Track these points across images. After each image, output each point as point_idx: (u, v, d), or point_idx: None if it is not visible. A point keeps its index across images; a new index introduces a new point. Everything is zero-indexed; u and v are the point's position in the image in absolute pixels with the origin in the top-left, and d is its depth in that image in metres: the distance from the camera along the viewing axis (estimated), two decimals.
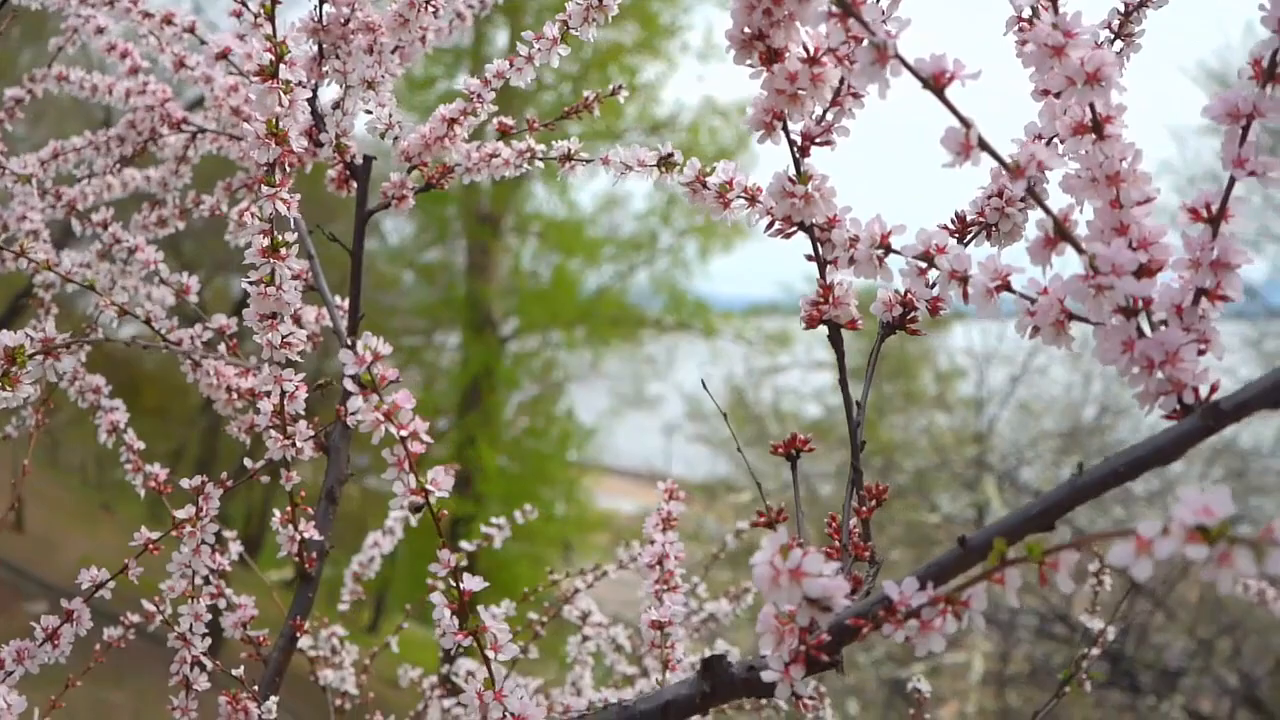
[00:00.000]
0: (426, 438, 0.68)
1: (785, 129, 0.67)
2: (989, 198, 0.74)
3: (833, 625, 0.59)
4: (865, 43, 0.56)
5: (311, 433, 0.98)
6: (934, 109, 0.57)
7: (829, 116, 0.68)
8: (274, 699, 0.99)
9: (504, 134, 1.05)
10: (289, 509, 1.02)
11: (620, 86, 1.07)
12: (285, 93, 0.77)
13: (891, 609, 0.57)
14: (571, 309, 11.16)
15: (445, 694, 1.36)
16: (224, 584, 1.07)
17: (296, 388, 0.93)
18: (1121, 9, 0.76)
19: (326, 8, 1.00)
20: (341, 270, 1.14)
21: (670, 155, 0.87)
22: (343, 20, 1.01)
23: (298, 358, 0.91)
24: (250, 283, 0.85)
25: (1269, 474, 7.58)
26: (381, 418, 0.66)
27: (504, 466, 10.52)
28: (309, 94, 1.03)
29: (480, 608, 0.71)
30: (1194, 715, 6.02)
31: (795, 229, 0.69)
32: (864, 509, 0.68)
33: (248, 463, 0.99)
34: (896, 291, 0.73)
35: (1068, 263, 0.61)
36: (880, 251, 0.67)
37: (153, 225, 1.30)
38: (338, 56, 1.00)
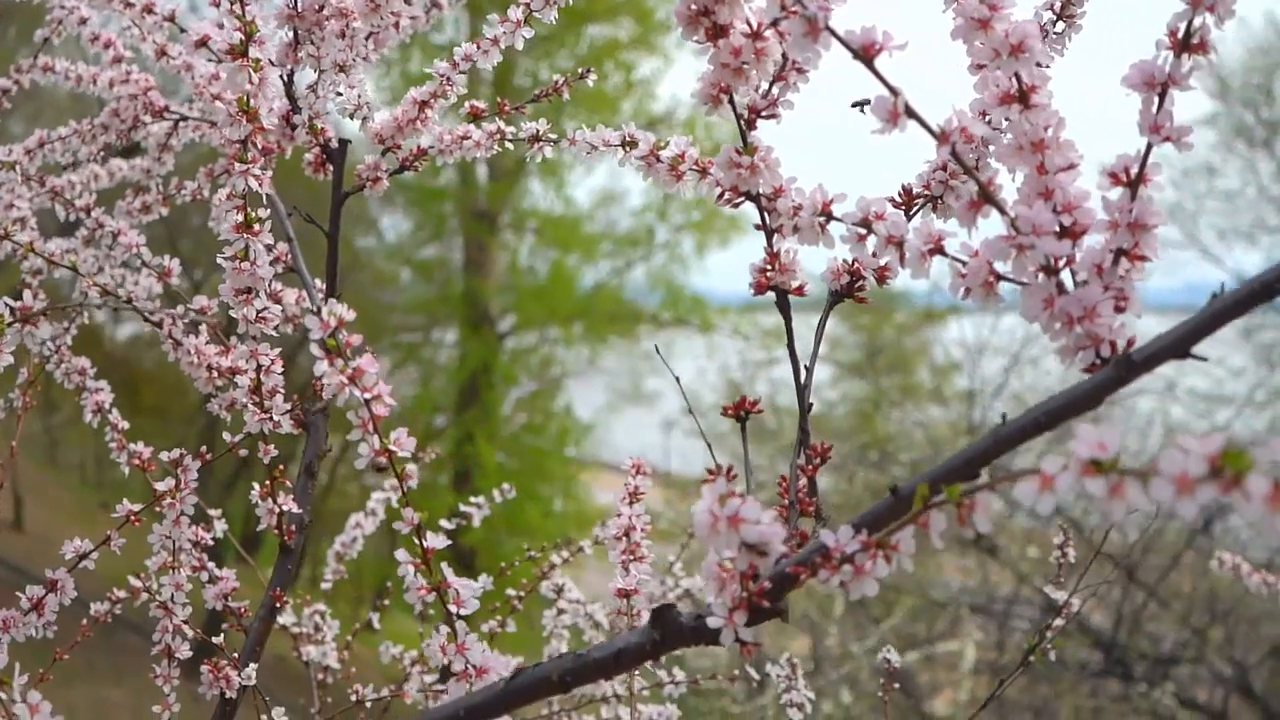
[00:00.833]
0: (390, 400, 0.71)
1: (732, 102, 0.70)
2: (934, 171, 0.76)
3: (774, 573, 0.62)
4: (798, 15, 0.58)
5: (289, 407, 1.01)
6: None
7: (774, 91, 0.71)
8: (253, 666, 1.02)
9: (475, 116, 1.08)
10: (268, 483, 1.05)
11: (589, 70, 1.10)
12: (255, 70, 0.80)
13: (828, 555, 0.60)
14: (569, 305, 11.20)
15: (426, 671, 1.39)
16: (205, 557, 1.10)
17: (272, 362, 0.96)
18: None
19: None
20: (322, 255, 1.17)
21: (632, 135, 0.89)
22: (317, 7, 1.03)
23: (273, 332, 0.94)
24: (225, 258, 0.88)
25: (1263, 464, 7.59)
26: (346, 381, 0.69)
27: (502, 463, 10.56)
28: (284, 78, 1.06)
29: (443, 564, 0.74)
30: (1187, 704, 6.06)
31: (743, 198, 0.72)
32: (810, 467, 0.71)
33: (242, 447, 1.02)
34: (844, 261, 0.76)
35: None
36: (822, 219, 0.70)
37: (137, 211, 1.32)
38: (312, 42, 1.03)
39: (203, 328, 1.13)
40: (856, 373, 10.58)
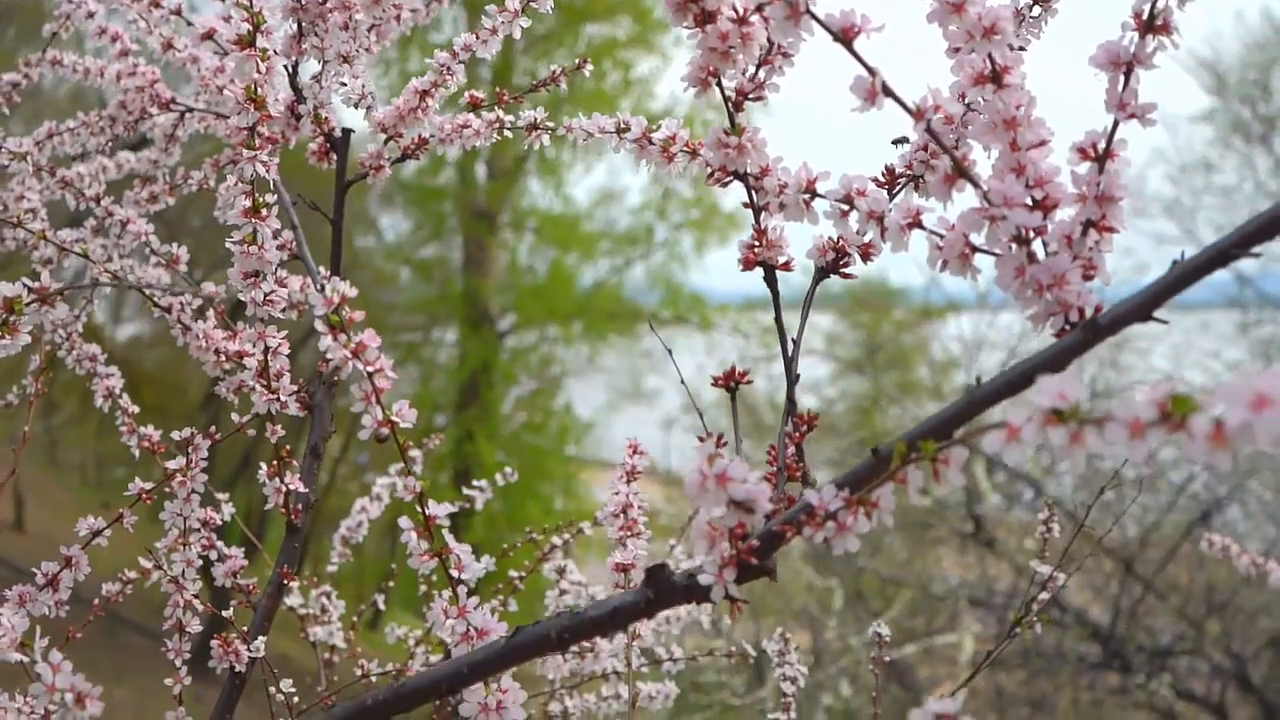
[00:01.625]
0: (391, 374, 0.74)
1: (720, 85, 0.73)
2: (915, 151, 0.80)
3: (762, 532, 0.65)
4: (780, 0, 0.61)
5: (295, 388, 1.04)
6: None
7: (760, 74, 0.74)
8: (262, 639, 1.05)
9: (474, 106, 1.11)
10: (275, 462, 1.08)
11: (586, 60, 1.13)
12: (262, 60, 0.83)
13: (813, 513, 0.63)
14: (568, 304, 11.23)
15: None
16: (214, 537, 1.13)
17: (280, 344, 0.99)
18: None
19: None
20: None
21: (625, 121, 0.92)
22: (320, 0, 1.06)
23: (280, 315, 0.97)
24: (234, 242, 0.91)
25: (1260, 456, 7.64)
26: (349, 355, 0.72)
27: (502, 461, 10.58)
28: (289, 70, 1.09)
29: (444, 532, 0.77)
30: (1184, 695, 6.09)
31: (732, 177, 0.75)
32: (797, 434, 0.74)
33: (236, 417, 1.05)
34: (830, 238, 0.79)
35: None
36: (806, 196, 0.73)
37: (144, 201, 1.35)
38: (316, 34, 1.06)
39: (210, 313, 1.16)
40: (856, 369, 10.61)
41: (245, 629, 1.07)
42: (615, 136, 0.94)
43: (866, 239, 0.78)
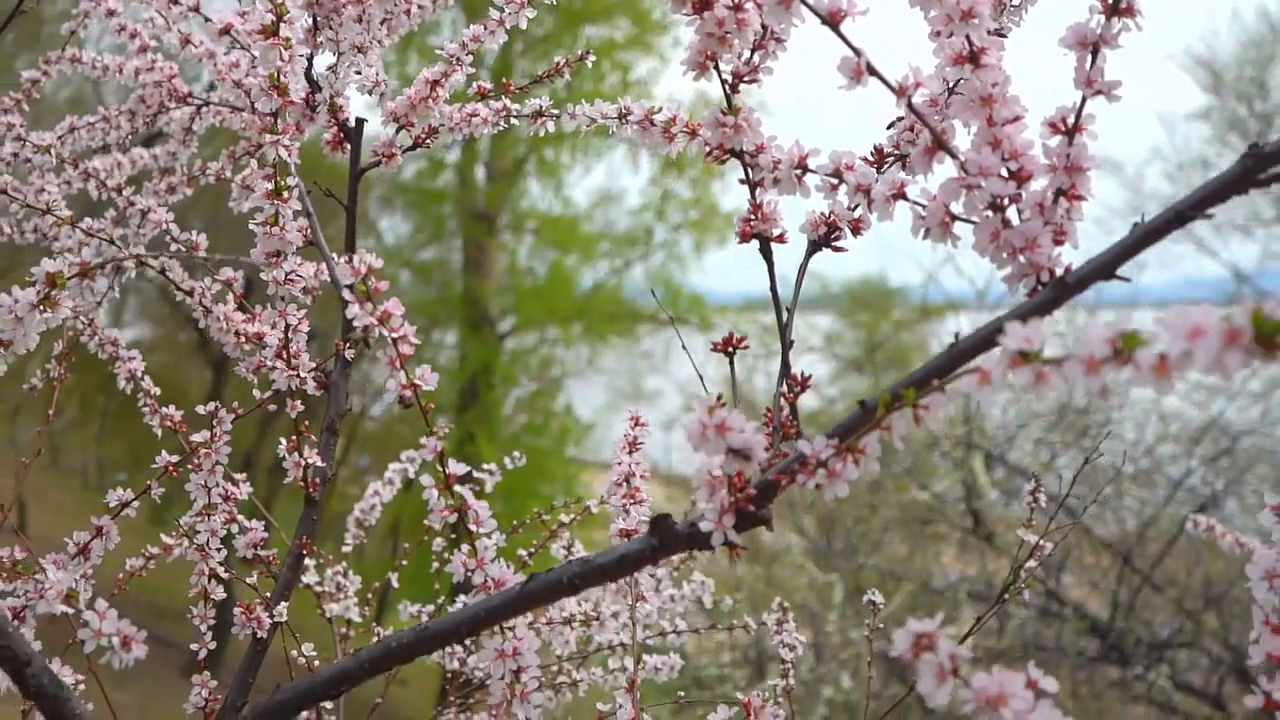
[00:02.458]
0: (414, 340, 0.79)
1: (717, 68, 0.78)
2: (902, 131, 0.85)
3: (758, 482, 0.70)
4: None
5: (314, 365, 1.09)
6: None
7: (755, 58, 0.79)
8: (284, 604, 1.10)
9: (482, 96, 1.16)
10: (294, 437, 1.13)
11: (588, 53, 1.18)
12: (285, 48, 0.88)
13: (806, 462, 0.68)
14: (568, 305, 11.27)
15: None
16: (235, 510, 1.18)
17: (299, 321, 1.04)
18: None
19: None
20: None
21: (627, 107, 0.97)
22: None
23: (300, 294, 1.02)
24: (257, 224, 0.96)
25: (1256, 451, 7.69)
26: (375, 322, 0.77)
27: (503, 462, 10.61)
28: (305, 62, 1.14)
29: (462, 489, 0.82)
30: (1182, 687, 6.14)
31: (729, 155, 0.80)
32: (791, 394, 0.79)
33: (256, 394, 1.10)
34: (822, 213, 0.84)
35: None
36: (798, 171, 0.78)
37: (163, 192, 1.41)
38: (330, 27, 1.11)
39: (230, 296, 1.21)
40: (855, 368, 10.66)
41: (267, 595, 1.12)
42: (618, 122, 0.99)
43: (856, 213, 0.83)
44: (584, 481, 11.24)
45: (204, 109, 1.40)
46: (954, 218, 0.71)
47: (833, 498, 0.68)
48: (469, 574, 0.80)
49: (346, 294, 0.77)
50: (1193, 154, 9.52)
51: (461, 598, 1.53)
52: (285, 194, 0.94)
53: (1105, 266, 0.63)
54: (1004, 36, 0.86)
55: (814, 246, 0.84)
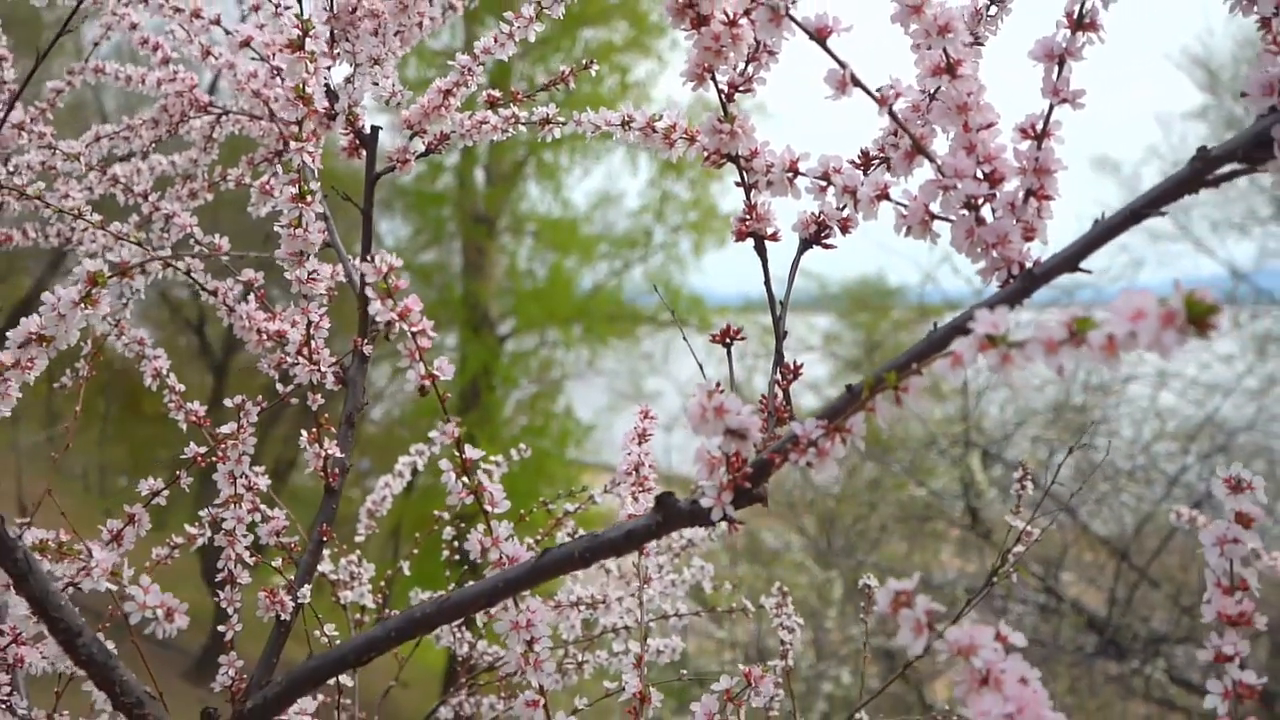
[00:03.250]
0: (432, 334, 0.85)
1: (714, 79, 0.84)
2: (886, 136, 0.91)
3: (754, 461, 0.76)
4: (764, 5, 0.73)
5: (334, 360, 1.15)
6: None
7: (749, 69, 0.85)
8: (307, 587, 1.16)
9: (492, 104, 1.23)
10: (315, 430, 1.19)
11: (592, 61, 1.24)
12: (311, 62, 0.94)
13: (797, 442, 0.74)
14: (568, 307, 11.33)
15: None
16: (258, 500, 1.24)
17: (321, 318, 1.10)
18: None
19: None
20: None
21: (630, 114, 1.04)
22: (350, 9, 1.18)
23: (322, 292, 1.08)
24: (281, 226, 1.02)
25: (1251, 447, 7.76)
26: (396, 317, 0.83)
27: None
28: (325, 72, 1.20)
29: (481, 472, 0.88)
30: (1179, 682, 6.19)
31: (725, 159, 0.86)
32: (785, 381, 0.85)
33: (280, 387, 1.16)
34: (812, 213, 0.90)
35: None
36: (790, 174, 0.84)
37: (185, 197, 1.47)
38: (347, 39, 1.17)
39: (251, 296, 1.27)
40: (855, 368, 10.72)
41: (289, 580, 1.18)
42: (622, 128, 1.05)
43: (844, 213, 0.89)
44: (585, 483, 11.28)
45: (224, 117, 1.46)
46: (933, 216, 0.77)
47: (825, 482, 0.73)
48: (485, 551, 0.86)
49: (370, 291, 0.83)
50: (1189, 153, 9.56)
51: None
52: (309, 197, 1.00)
53: (1069, 260, 0.69)
54: (981, 44, 0.93)
55: (805, 244, 0.90)
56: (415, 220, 11.59)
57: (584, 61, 1.24)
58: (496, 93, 1.22)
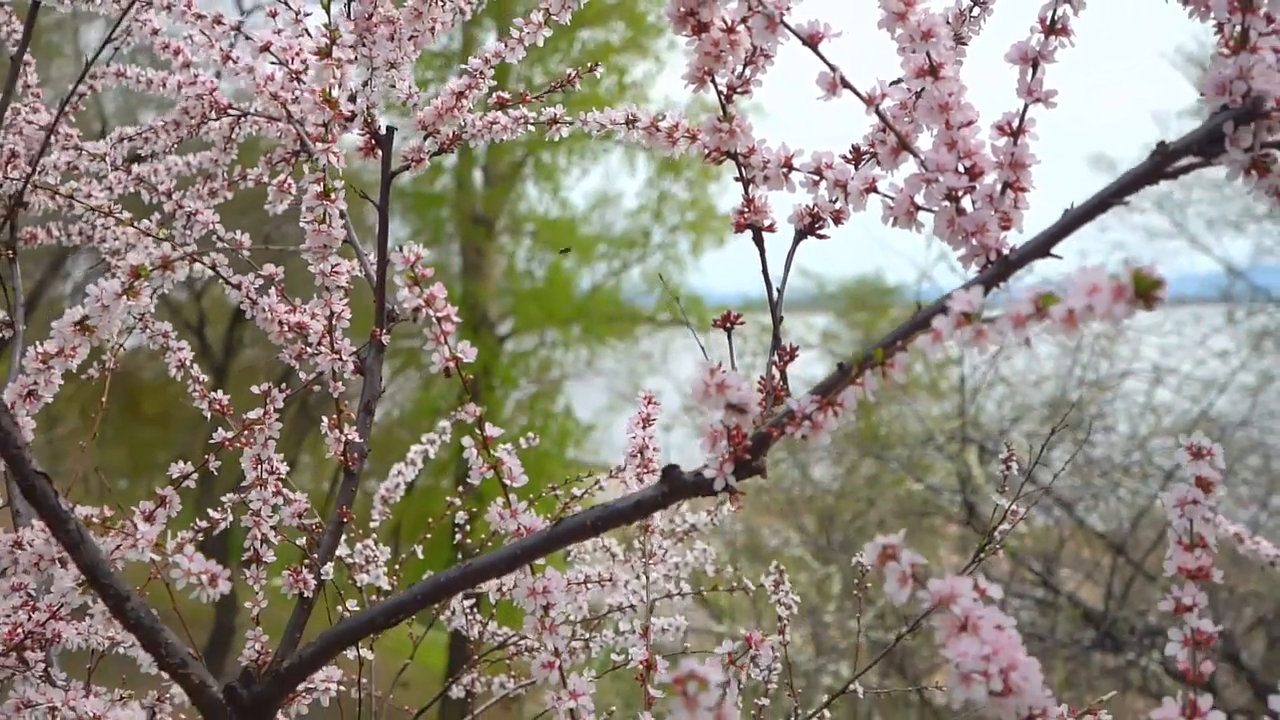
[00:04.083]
0: (456, 318, 0.91)
1: (714, 82, 0.90)
2: (876, 133, 0.97)
3: (754, 435, 0.82)
4: (760, 13, 0.79)
5: (354, 349, 1.21)
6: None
7: (747, 72, 0.91)
8: (330, 564, 1.22)
9: (502, 105, 1.29)
10: (335, 415, 1.26)
11: (596, 64, 1.30)
12: (338, 67, 1.01)
13: (793, 416, 0.80)
14: (567, 307, 11.39)
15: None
16: (280, 484, 1.31)
17: (342, 309, 1.16)
18: None
19: (354, 5, 1.24)
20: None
21: (634, 113, 1.10)
22: (367, 15, 1.24)
23: (345, 284, 1.14)
24: (307, 221, 1.09)
25: (1246, 441, 7.84)
26: (423, 303, 0.90)
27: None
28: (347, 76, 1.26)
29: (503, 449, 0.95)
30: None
31: (725, 156, 0.92)
32: (781, 362, 0.91)
33: (303, 375, 1.23)
34: (807, 206, 0.96)
35: None
36: (785, 169, 0.91)
37: (206, 196, 1.53)
38: (364, 44, 1.23)
39: (273, 289, 1.33)
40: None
41: (312, 558, 1.24)
42: (626, 128, 1.11)
43: (836, 206, 0.95)
44: (585, 484, 11.34)
45: (242, 119, 1.52)
46: (917, 207, 0.83)
47: (818, 445, 0.80)
48: (504, 521, 0.93)
49: (398, 279, 0.89)
50: None
51: None
52: (333, 195, 1.06)
53: (1041, 246, 0.75)
54: (964, 43, 0.99)
55: (800, 235, 0.97)
56: (414, 221, 11.64)
57: (589, 65, 1.30)
58: (506, 94, 1.28)
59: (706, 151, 0.92)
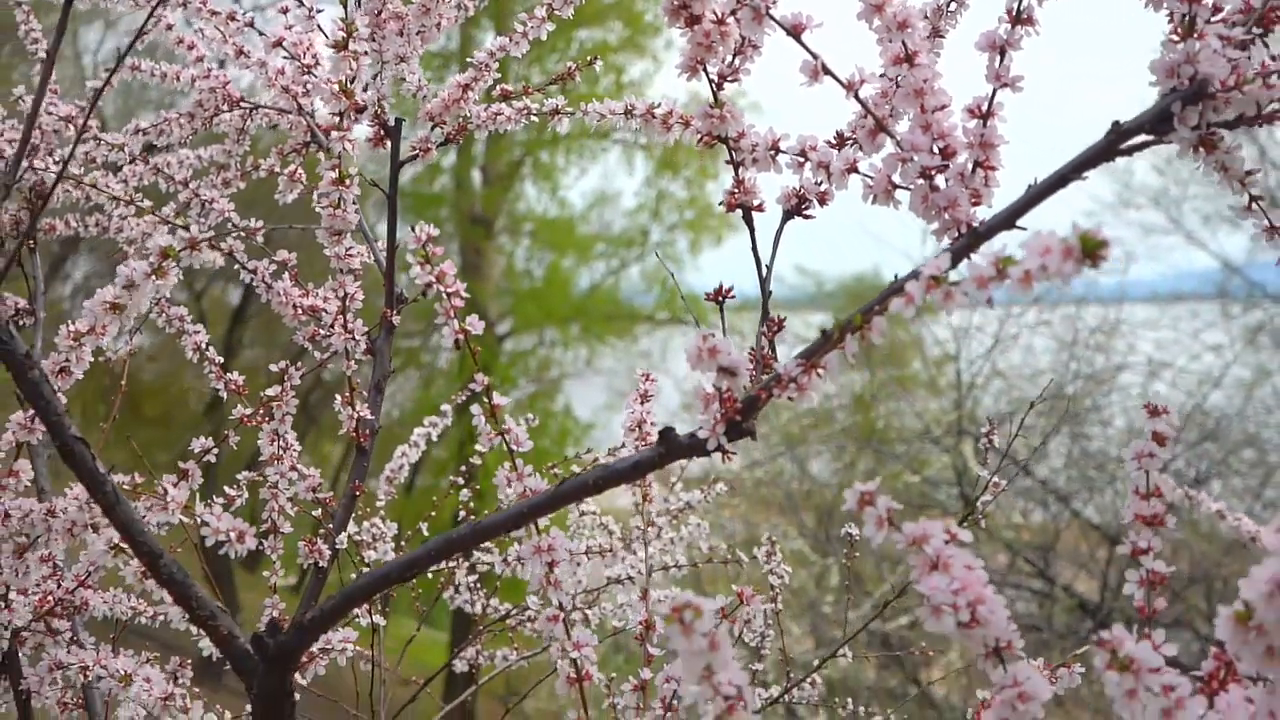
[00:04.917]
0: (465, 294, 0.97)
1: (705, 71, 0.96)
2: (857, 118, 1.03)
3: (744, 398, 0.89)
4: (747, 5, 0.85)
5: (366, 329, 1.27)
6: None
7: (736, 61, 0.97)
8: (344, 534, 1.28)
9: (505, 97, 1.35)
10: (348, 393, 1.32)
11: (596, 57, 1.37)
12: (354, 60, 1.07)
13: (780, 380, 0.86)
14: (565, 306, 11.45)
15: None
16: (296, 460, 1.37)
17: (355, 291, 1.22)
18: None
19: (364, 2, 1.30)
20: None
21: (632, 104, 1.16)
22: (377, 10, 1.30)
23: (357, 267, 1.21)
24: (322, 207, 1.15)
25: (1241, 435, 7.91)
26: (434, 280, 0.96)
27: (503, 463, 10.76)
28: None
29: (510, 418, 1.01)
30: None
31: (716, 141, 0.99)
32: (770, 332, 0.98)
33: (317, 355, 1.29)
34: (794, 187, 1.03)
35: None
36: (772, 152, 0.97)
37: (220, 186, 1.59)
38: (374, 39, 1.30)
39: (286, 275, 1.40)
40: (854, 366, 10.84)
41: (327, 529, 1.30)
42: (624, 117, 1.17)
43: (821, 187, 1.01)
44: None
45: (255, 111, 1.58)
46: (894, 185, 0.89)
47: (805, 407, 0.86)
48: (510, 484, 0.99)
49: (409, 257, 0.95)
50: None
51: None
52: (347, 181, 1.12)
53: (1007, 220, 0.82)
54: (942, 37, 1.05)
55: (787, 215, 1.03)
56: (413, 221, 11.66)
57: (588, 59, 1.36)
58: (509, 87, 1.35)
59: (699, 136, 0.98)
